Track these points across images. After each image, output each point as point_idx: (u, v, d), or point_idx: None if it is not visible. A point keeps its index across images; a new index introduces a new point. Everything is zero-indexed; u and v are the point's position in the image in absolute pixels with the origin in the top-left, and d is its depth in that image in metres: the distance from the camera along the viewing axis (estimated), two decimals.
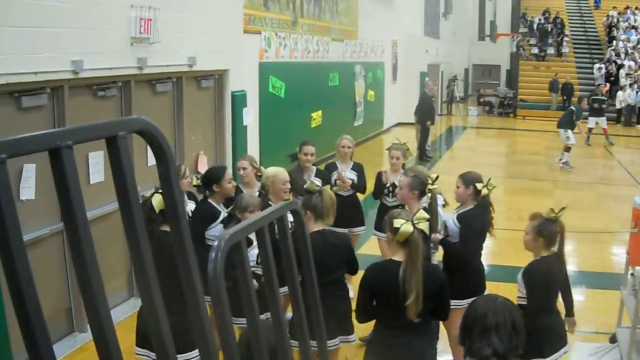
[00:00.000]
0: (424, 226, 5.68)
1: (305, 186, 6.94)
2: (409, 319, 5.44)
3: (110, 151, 1.36)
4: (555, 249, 6.33)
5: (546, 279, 6.24)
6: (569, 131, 21.81)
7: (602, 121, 27.73)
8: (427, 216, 5.86)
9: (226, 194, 7.81)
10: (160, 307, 1.47)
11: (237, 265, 1.66)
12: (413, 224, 5.53)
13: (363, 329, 7.19)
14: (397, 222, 5.54)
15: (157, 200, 6.15)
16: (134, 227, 1.41)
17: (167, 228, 6.08)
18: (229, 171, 7.99)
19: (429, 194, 7.31)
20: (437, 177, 7.96)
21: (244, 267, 1.65)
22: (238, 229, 1.60)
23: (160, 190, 6.10)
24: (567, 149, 21.91)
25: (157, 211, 6.14)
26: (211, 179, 7.82)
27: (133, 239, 1.42)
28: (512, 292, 6.37)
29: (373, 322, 5.98)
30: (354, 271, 7.22)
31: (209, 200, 7.73)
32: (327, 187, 7.18)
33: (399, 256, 5.57)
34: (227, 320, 1.56)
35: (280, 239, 1.89)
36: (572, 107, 23.13)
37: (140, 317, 6.35)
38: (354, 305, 6.18)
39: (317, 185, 6.91)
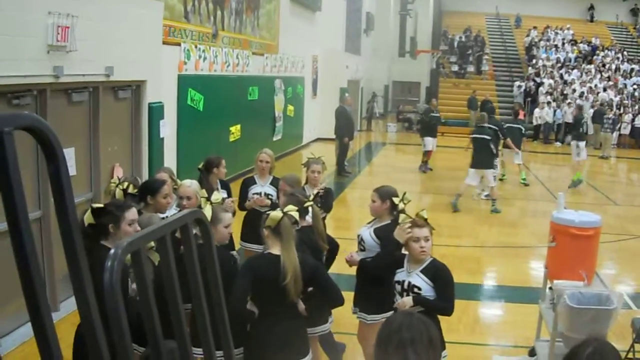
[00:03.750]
0: (294, 214, 6.19)
1: None
2: (290, 300, 5.93)
3: None
4: None
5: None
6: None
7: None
8: (296, 208, 6.39)
9: (159, 209, 7.63)
10: (51, 327, 1.36)
11: (136, 276, 1.55)
12: (282, 212, 6.07)
13: None
14: (270, 212, 6.25)
15: (87, 215, 5.94)
16: (21, 238, 1.30)
17: (106, 243, 5.94)
18: (166, 187, 7.78)
19: (310, 210, 7.29)
20: (317, 194, 8.06)
21: (142, 278, 1.55)
22: (137, 237, 1.50)
23: (93, 206, 6.00)
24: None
25: (86, 225, 5.88)
26: (146, 190, 7.64)
27: (20, 251, 1.31)
28: None
29: None
30: None
31: (142, 212, 7.50)
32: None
33: (276, 249, 6.01)
34: (124, 336, 1.45)
35: (185, 248, 1.78)
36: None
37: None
38: None
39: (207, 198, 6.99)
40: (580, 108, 26.75)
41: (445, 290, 6.25)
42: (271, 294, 5.93)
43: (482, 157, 18.24)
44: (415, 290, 6.27)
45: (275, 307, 5.99)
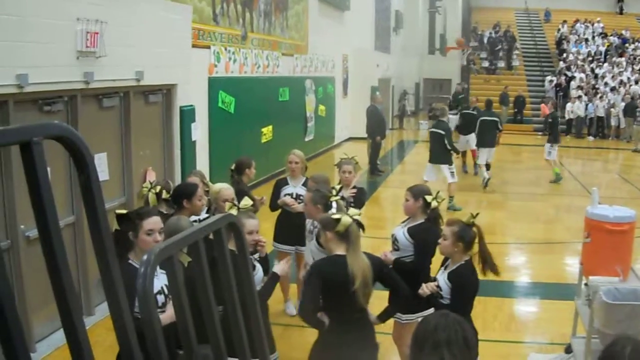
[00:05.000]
0: (359, 218, 6.11)
1: None
2: (359, 306, 5.80)
3: (23, 159, 1.24)
4: (470, 253, 6.40)
5: (474, 283, 6.29)
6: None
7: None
8: (360, 211, 6.33)
9: (195, 212, 7.66)
10: (83, 333, 1.35)
11: (169, 282, 1.54)
12: (350, 216, 5.96)
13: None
14: (335, 215, 6.05)
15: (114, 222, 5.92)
16: (52, 245, 1.29)
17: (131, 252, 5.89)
18: (199, 189, 7.81)
19: (335, 206, 7.27)
20: (340, 188, 8.04)
21: (176, 285, 1.54)
22: (170, 242, 1.49)
23: (117, 212, 5.97)
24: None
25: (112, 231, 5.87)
26: (182, 194, 7.66)
27: (50, 258, 1.31)
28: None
29: None
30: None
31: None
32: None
33: (341, 250, 5.89)
34: (158, 343, 1.45)
35: (218, 254, 1.77)
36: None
37: None
38: None
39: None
40: (555, 106, 25.16)
41: (454, 296, 6.16)
42: (340, 299, 5.83)
43: (437, 152, 18.04)
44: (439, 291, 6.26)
45: (344, 314, 5.88)
